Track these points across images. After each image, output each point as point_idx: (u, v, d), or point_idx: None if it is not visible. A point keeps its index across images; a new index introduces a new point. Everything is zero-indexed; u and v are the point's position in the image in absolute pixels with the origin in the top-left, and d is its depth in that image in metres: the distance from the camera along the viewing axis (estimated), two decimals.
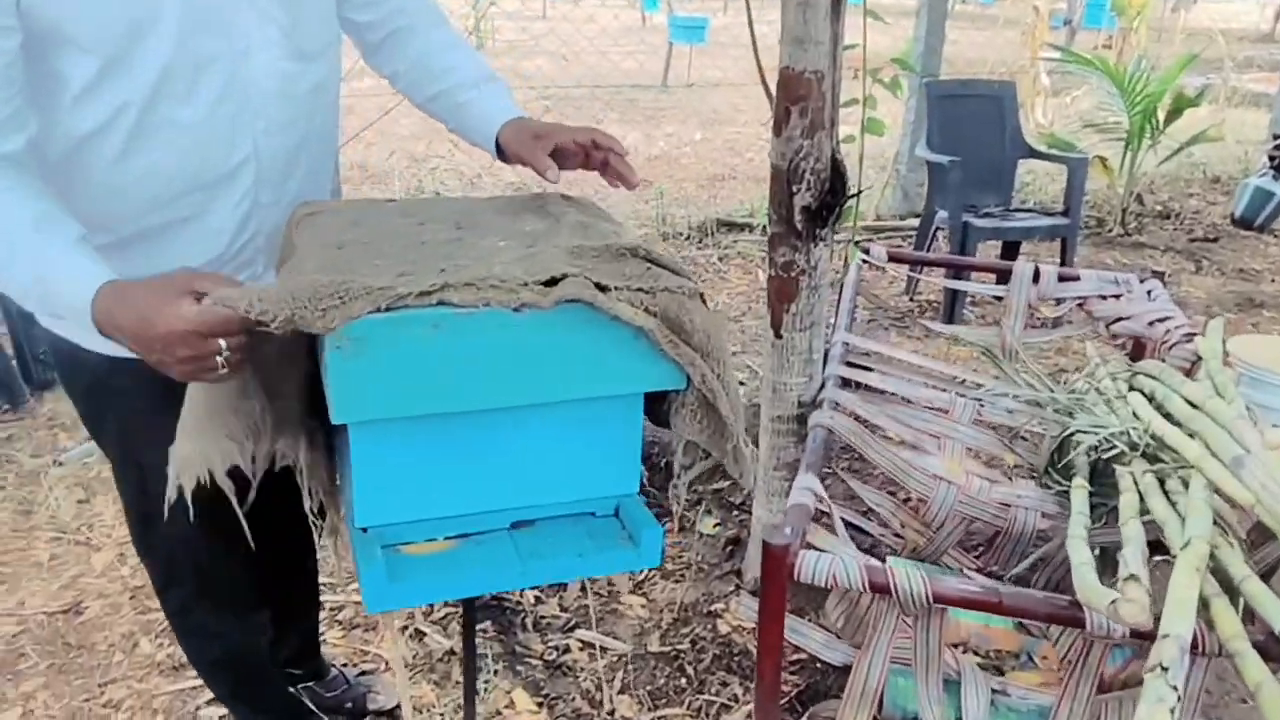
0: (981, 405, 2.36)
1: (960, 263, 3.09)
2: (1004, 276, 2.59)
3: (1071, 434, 2.17)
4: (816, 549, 1.88)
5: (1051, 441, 2.27)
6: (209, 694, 1.94)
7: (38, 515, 2.58)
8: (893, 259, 3.12)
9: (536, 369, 1.02)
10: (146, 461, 1.38)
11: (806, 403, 2.24)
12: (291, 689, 1.84)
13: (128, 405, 1.33)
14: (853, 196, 2.05)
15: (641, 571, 2.46)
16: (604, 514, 1.19)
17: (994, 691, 1.84)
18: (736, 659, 2.16)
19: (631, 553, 1.13)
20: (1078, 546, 1.55)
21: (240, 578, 1.52)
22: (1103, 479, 2.12)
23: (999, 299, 2.89)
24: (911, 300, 4.34)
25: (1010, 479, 2.26)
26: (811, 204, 2.01)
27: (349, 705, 1.94)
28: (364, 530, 1.09)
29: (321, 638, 2.14)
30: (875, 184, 5.71)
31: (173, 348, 0.95)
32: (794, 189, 2.01)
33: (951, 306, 3.94)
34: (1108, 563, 1.79)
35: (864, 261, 2.95)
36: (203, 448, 1.06)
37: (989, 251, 4.46)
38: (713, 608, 2.32)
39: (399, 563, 1.08)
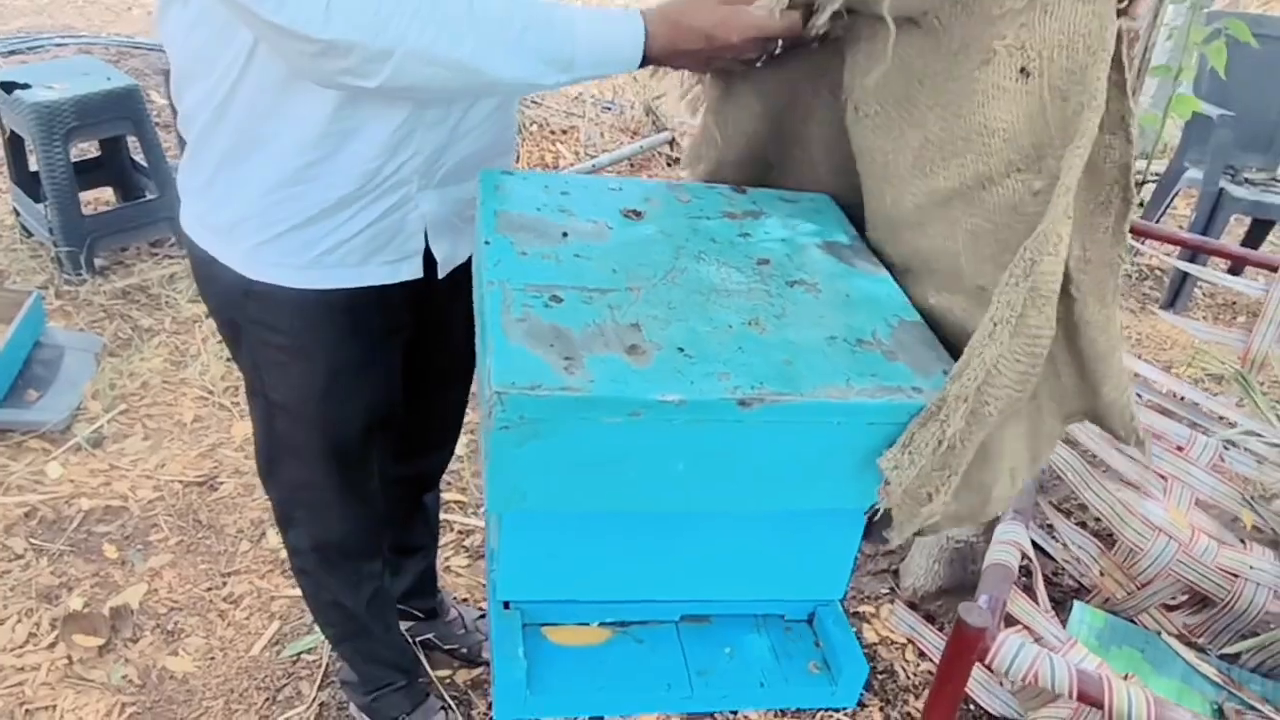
0: (1226, 448, 1.99)
1: (1216, 249, 2.60)
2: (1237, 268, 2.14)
3: None
4: (1014, 620, 1.62)
5: None
6: None
7: (189, 368, 2.55)
8: (1133, 231, 2.67)
9: (753, 474, 0.78)
10: (275, 399, 1.26)
11: None
12: (405, 633, 1.75)
13: (261, 337, 1.21)
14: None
15: None
16: (795, 619, 0.97)
17: None
18: (880, 678, 1.95)
19: (826, 689, 0.91)
20: None
21: (355, 527, 1.41)
22: None
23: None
24: (1131, 264, 3.82)
25: (1245, 544, 1.91)
26: None
27: (465, 650, 1.84)
28: (505, 605, 0.89)
29: (445, 564, 2.05)
30: None
31: (741, 51, 1.00)
32: None
33: (1179, 288, 3.43)
34: None
35: None
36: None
37: (1234, 228, 3.85)
38: (860, 609, 2.10)
39: (541, 653, 0.88)
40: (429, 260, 1.20)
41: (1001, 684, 1.91)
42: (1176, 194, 3.69)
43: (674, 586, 0.91)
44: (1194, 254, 3.31)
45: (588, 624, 0.92)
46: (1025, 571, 1.65)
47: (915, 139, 0.88)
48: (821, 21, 0.94)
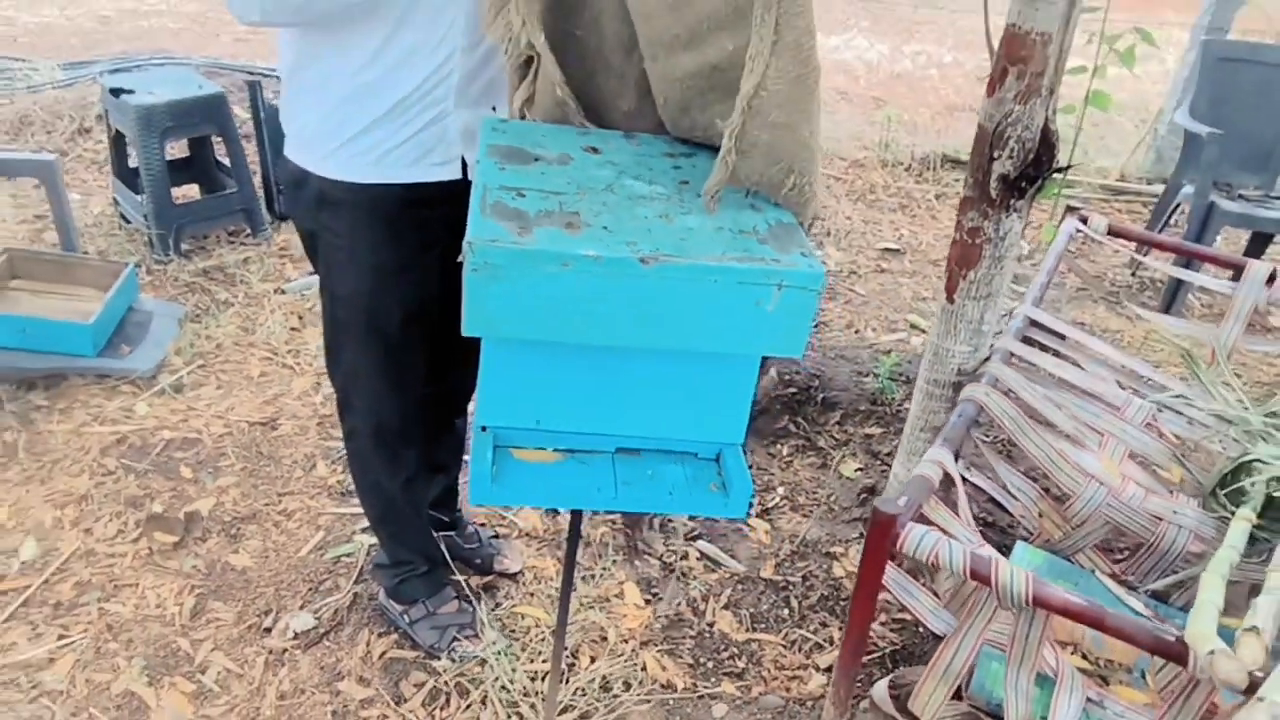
0: (1160, 410, 2.22)
1: (1186, 249, 2.83)
2: (1238, 273, 2.38)
3: (1252, 460, 2.03)
4: (928, 523, 1.88)
5: (1228, 463, 2.12)
6: (365, 521, 2.19)
7: (256, 334, 2.92)
8: (1114, 233, 2.91)
9: (657, 319, 1.08)
10: (337, 292, 1.62)
11: (966, 371, 2.18)
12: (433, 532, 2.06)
13: (329, 241, 1.58)
14: (1057, 171, 1.93)
15: (772, 500, 2.52)
16: (705, 457, 1.26)
17: (1090, 700, 1.80)
18: (842, 604, 2.20)
19: (720, 500, 1.20)
20: (1212, 582, 1.49)
21: (398, 411, 1.75)
22: (1275, 515, 1.97)
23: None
24: (1134, 276, 4.03)
25: (1172, 493, 2.14)
26: (1010, 173, 1.92)
27: (478, 561, 2.14)
28: (483, 429, 1.20)
29: (463, 496, 2.36)
30: (1131, 138, 5.25)
31: None
32: (995, 154, 1.92)
33: (1174, 294, 3.64)
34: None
35: (1079, 231, 2.78)
36: None
37: (1238, 240, 4.04)
38: (833, 549, 2.36)
39: (507, 464, 1.19)
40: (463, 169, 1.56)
41: (946, 607, 2.15)
42: (1176, 208, 3.90)
43: (611, 422, 1.21)
44: (1188, 263, 3.52)
45: (544, 449, 1.22)
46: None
47: None
48: None
